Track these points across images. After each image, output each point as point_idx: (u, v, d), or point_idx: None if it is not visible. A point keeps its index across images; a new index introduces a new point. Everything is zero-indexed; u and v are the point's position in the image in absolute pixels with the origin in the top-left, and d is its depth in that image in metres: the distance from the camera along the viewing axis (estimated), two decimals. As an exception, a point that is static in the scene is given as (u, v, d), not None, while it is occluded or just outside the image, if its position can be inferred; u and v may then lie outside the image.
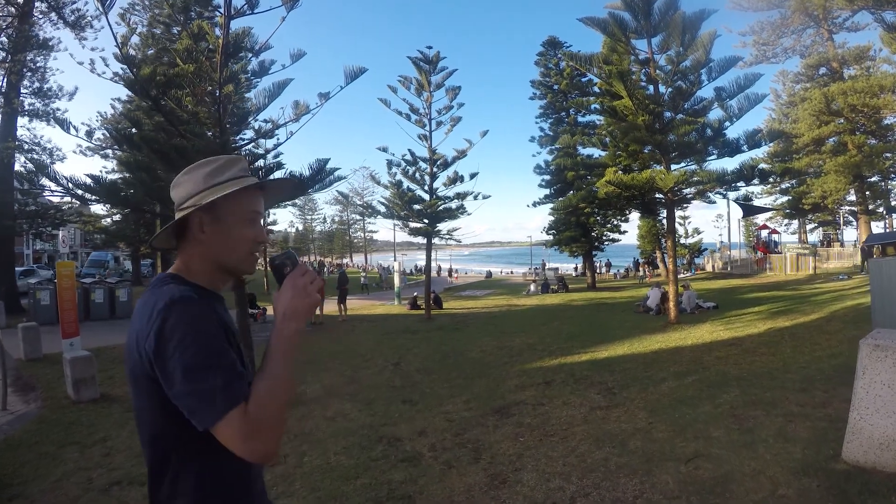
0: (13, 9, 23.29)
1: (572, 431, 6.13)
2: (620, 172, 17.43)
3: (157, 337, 1.19)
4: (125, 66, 8.93)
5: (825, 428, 5.36)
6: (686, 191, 16.35)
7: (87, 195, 10.76)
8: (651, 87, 15.68)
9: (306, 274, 1.35)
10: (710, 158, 15.83)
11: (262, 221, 1.51)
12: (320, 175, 9.08)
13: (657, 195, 17.96)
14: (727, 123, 14.54)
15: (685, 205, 30.14)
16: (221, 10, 9.54)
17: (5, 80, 22.87)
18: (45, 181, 11.06)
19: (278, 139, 10.69)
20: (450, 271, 57.87)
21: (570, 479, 4.76)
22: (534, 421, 6.66)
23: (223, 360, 1.21)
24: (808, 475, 4.37)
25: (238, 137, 13.36)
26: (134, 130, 11.44)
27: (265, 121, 11.95)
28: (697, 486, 4.40)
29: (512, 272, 60.15)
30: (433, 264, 21.79)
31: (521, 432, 6.23)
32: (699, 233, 46.10)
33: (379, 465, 5.37)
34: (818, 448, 4.88)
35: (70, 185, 10.76)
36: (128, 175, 15.83)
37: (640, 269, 40.30)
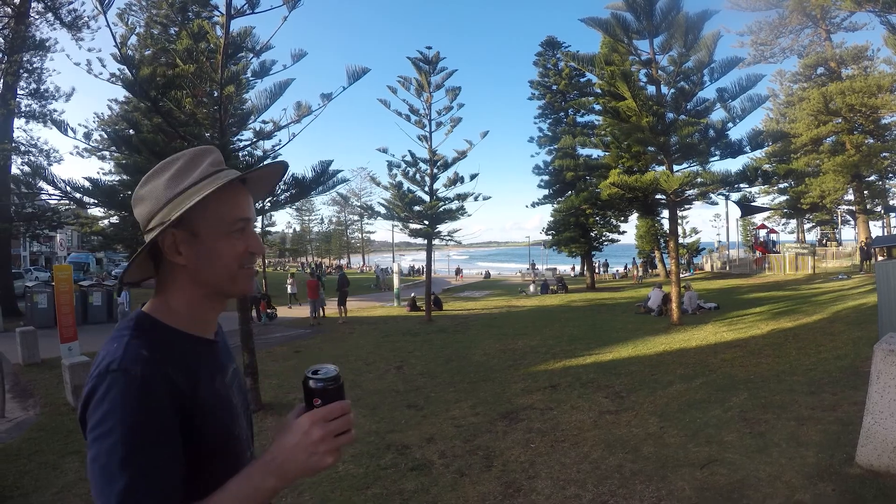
0: (9, 9, 23.16)
1: (583, 437, 6.07)
2: (624, 174, 17.38)
3: (83, 405, 1.00)
4: (122, 67, 8.84)
5: (837, 431, 5.34)
6: (689, 192, 16.32)
7: (86, 198, 10.68)
8: (653, 88, 15.68)
9: (333, 422, 1.01)
10: (712, 159, 15.84)
11: (252, 226, 1.19)
12: (323, 177, 9.00)
13: (659, 196, 17.94)
14: (730, 124, 14.59)
15: (688, 206, 30.20)
16: (220, 10, 9.47)
17: (1, 81, 22.74)
18: (42, 184, 10.97)
19: (280, 140, 10.64)
20: (457, 270, 59.19)
21: (585, 486, 4.71)
22: (543, 426, 6.61)
23: (136, 462, 0.92)
24: (824, 480, 4.35)
25: (236, 139, 13.30)
26: (132, 132, 11.36)
27: (264, 122, 11.87)
28: (714, 491, 4.37)
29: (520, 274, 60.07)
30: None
31: (531, 438, 6.17)
32: (697, 232, 46.19)
33: (389, 473, 5.30)
34: (831, 452, 4.86)
35: (68, 188, 10.67)
36: (126, 178, 15.77)
37: (638, 269, 40.32)
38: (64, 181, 10.34)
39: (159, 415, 0.97)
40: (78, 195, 10.69)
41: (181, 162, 1.15)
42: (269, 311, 20.52)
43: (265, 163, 1.38)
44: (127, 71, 8.72)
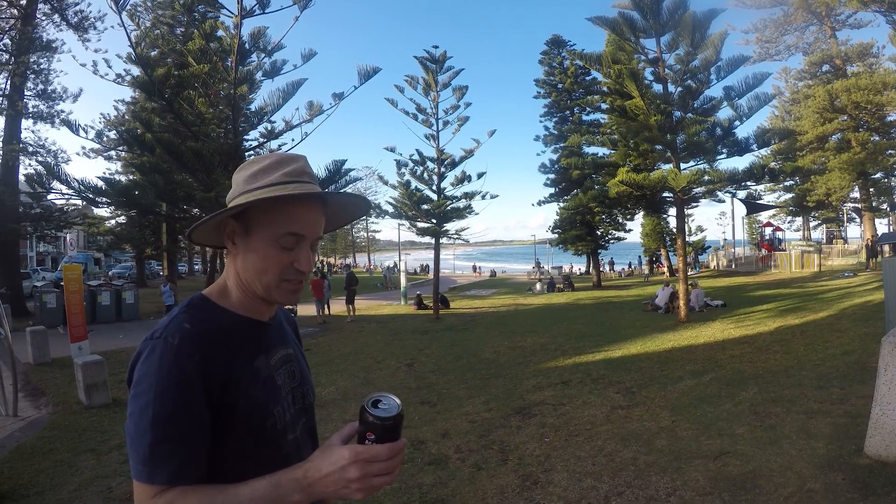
0: (16, 10, 23.27)
1: (596, 431, 6.15)
2: (631, 172, 17.42)
3: (129, 367, 1.12)
4: (129, 68, 9.00)
5: (846, 424, 5.45)
6: (696, 190, 16.37)
7: (100, 198, 10.81)
8: (659, 86, 15.71)
9: (375, 465, 0.99)
10: (719, 157, 15.89)
11: (307, 244, 1.19)
12: (336, 176, 9.10)
13: (666, 194, 17.98)
14: (736, 122, 14.64)
15: (695, 204, 30.22)
16: (228, 10, 9.60)
17: (9, 82, 22.84)
18: (55, 184, 11.10)
19: (293, 140, 10.77)
20: (474, 267, 62.65)
21: (601, 478, 4.79)
22: (556, 421, 6.69)
23: (168, 427, 1.02)
24: (834, 470, 4.46)
25: (243, 138, 13.44)
26: (143, 132, 11.52)
27: (272, 122, 12.01)
28: (728, 482, 4.47)
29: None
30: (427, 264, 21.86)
31: (545, 433, 6.25)
32: (702, 230, 46.09)
33: (406, 468, 5.34)
34: (841, 443, 4.97)
35: (81, 187, 10.80)
36: (138, 177, 15.91)
37: (652, 266, 40.51)
38: (78, 181, 10.51)
39: (189, 380, 1.04)
40: (91, 195, 10.85)
41: (266, 163, 1.21)
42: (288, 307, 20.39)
43: (348, 192, 1.33)
44: (135, 71, 8.94)
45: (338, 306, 21.42)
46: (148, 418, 1.02)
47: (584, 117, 34.82)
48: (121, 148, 26.35)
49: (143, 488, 1.03)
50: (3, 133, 22.75)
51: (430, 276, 30.35)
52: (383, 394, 1.05)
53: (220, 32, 10.15)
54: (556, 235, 35.04)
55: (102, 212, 34.54)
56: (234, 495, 1.02)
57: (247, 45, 9.46)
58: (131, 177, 25.22)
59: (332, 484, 0.99)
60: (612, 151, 28.90)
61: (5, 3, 23.08)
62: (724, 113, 15.21)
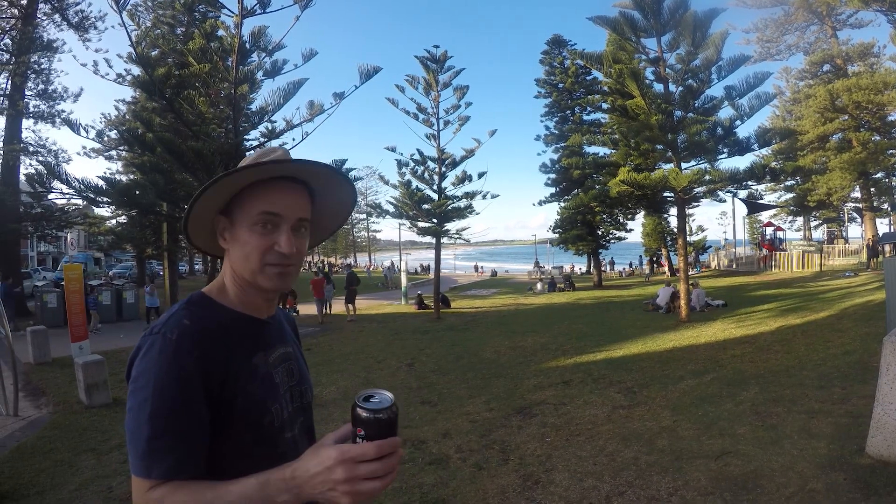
0: (16, 10, 23.27)
1: (598, 431, 6.15)
2: (632, 171, 17.41)
3: (129, 362, 1.11)
4: (129, 67, 9.01)
5: (847, 424, 5.44)
6: (697, 189, 16.36)
7: (100, 198, 10.81)
8: (660, 86, 15.70)
9: (364, 465, 0.92)
10: (720, 157, 15.88)
11: (286, 226, 1.16)
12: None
13: (667, 194, 17.96)
14: (737, 122, 14.63)
15: (696, 203, 30.17)
16: (229, 10, 9.62)
17: (9, 82, 22.84)
18: (56, 184, 11.09)
19: (293, 140, 10.79)
20: (476, 266, 63.86)
21: (602, 478, 4.78)
22: (558, 421, 6.68)
23: (167, 422, 1.02)
24: (835, 469, 4.45)
25: (244, 138, 13.46)
26: (143, 131, 11.53)
27: (272, 121, 12.00)
28: (729, 482, 4.46)
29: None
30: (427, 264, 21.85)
31: (546, 433, 6.24)
32: (703, 230, 46.04)
33: (407, 468, 5.33)
34: (842, 443, 4.96)
35: (81, 187, 10.80)
36: (139, 177, 15.92)
37: (652, 265, 40.52)
38: (78, 180, 10.51)
39: (188, 377, 1.04)
40: (91, 195, 10.85)
41: (249, 159, 1.21)
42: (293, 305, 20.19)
43: (319, 161, 1.30)
44: (136, 71, 8.95)
45: (338, 306, 21.41)
46: (146, 413, 1.02)
47: (585, 117, 34.86)
48: (121, 147, 26.32)
49: (140, 482, 1.02)
50: (3, 133, 22.79)
51: (431, 275, 30.33)
52: (377, 390, 1.00)
53: (221, 32, 10.18)
54: (557, 235, 35.06)
55: (103, 211, 34.50)
56: (223, 493, 1.00)
57: (247, 45, 9.47)
58: (132, 176, 25.20)
59: (319, 485, 0.94)
60: (613, 151, 28.88)
61: (6, 3, 23.08)
62: (725, 112, 15.24)
